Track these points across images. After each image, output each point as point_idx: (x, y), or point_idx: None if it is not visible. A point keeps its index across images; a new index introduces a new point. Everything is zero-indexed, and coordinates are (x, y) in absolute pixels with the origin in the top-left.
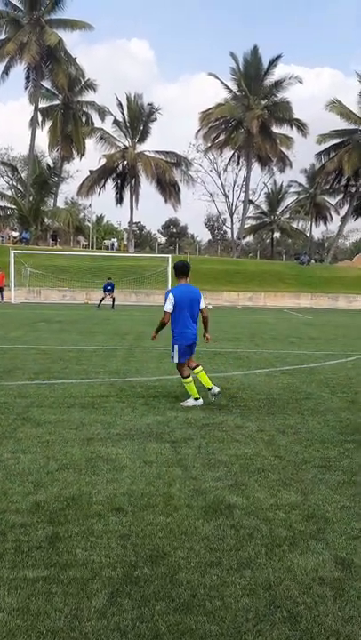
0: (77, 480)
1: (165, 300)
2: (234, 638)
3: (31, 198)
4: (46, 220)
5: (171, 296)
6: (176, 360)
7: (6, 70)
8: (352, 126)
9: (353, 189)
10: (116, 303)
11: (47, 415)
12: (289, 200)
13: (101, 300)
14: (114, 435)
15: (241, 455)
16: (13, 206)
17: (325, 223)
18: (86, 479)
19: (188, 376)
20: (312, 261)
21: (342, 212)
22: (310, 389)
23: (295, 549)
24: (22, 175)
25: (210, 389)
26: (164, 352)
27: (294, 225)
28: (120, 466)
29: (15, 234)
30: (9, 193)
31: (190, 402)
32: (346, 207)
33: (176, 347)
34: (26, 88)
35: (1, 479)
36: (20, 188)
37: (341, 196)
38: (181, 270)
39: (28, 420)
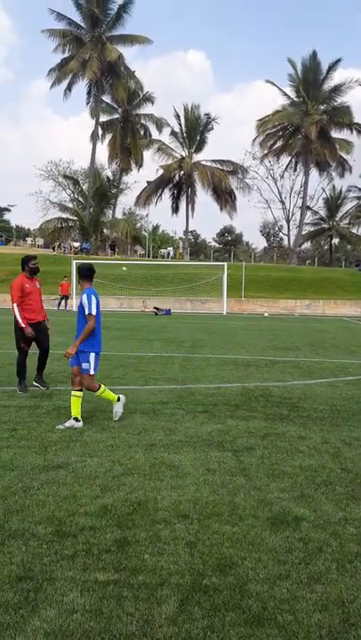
0: (142, 485)
1: (90, 302)
2: None
3: (91, 210)
4: (105, 230)
5: (94, 298)
6: (93, 372)
7: (69, 87)
8: None
9: None
10: (173, 311)
11: (111, 420)
12: (349, 205)
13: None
14: (176, 441)
15: (306, 467)
16: (75, 218)
17: None
18: (151, 484)
19: (100, 385)
20: None
21: None
22: None
23: None
24: (83, 188)
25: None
26: (221, 360)
27: (354, 231)
28: (183, 472)
29: (76, 244)
30: (70, 205)
31: (75, 423)
32: None
33: (93, 355)
34: (87, 103)
35: (70, 482)
36: (81, 200)
37: None
38: (88, 274)
39: (92, 424)
